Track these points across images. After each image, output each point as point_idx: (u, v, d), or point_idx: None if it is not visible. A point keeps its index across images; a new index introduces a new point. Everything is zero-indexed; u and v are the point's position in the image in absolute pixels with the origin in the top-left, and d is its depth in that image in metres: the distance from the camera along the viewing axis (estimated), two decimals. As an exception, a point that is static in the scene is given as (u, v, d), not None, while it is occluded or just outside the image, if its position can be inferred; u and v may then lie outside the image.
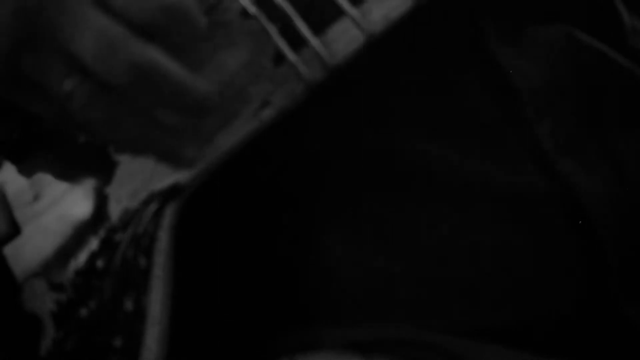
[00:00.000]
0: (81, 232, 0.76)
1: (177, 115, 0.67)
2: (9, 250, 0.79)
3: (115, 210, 0.75)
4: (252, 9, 0.72)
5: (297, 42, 0.71)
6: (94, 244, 0.75)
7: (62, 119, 0.68)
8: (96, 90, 0.65)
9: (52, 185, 0.79)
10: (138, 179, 0.75)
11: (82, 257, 0.76)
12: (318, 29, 0.71)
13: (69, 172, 0.78)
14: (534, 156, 0.80)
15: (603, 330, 0.80)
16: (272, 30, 0.71)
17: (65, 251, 0.77)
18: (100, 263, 0.74)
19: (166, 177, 0.74)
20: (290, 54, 0.71)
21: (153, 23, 0.63)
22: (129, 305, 0.72)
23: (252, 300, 0.80)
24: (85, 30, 0.63)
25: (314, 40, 0.70)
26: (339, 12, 0.70)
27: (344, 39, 0.70)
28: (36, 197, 0.79)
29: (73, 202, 0.77)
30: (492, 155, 0.80)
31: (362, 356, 0.75)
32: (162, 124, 0.67)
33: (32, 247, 0.78)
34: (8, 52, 0.66)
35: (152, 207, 0.74)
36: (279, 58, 0.72)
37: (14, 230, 0.79)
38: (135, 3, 0.63)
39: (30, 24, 0.65)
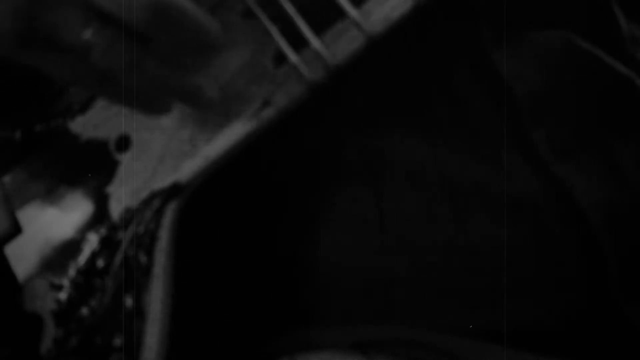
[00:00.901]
0: (82, 231, 0.76)
1: (194, 56, 0.67)
2: (10, 249, 0.79)
3: (116, 210, 0.75)
4: (254, 10, 0.72)
5: (298, 42, 0.71)
6: (94, 243, 0.75)
7: (79, 75, 0.68)
8: (117, 34, 0.65)
9: (53, 185, 0.79)
10: (139, 178, 0.75)
11: (82, 256, 0.76)
12: (319, 29, 0.71)
13: (70, 172, 0.78)
14: (530, 160, 0.80)
15: (603, 330, 0.80)
16: (274, 30, 0.72)
17: (66, 250, 0.77)
18: (100, 262, 0.75)
19: (167, 176, 0.74)
20: (291, 54, 0.71)
21: None
22: (129, 304, 0.72)
23: (252, 300, 0.80)
24: None
25: (314, 41, 0.71)
26: (340, 13, 0.70)
27: (344, 39, 0.71)
28: (38, 197, 0.79)
29: (74, 201, 0.77)
30: (489, 158, 0.80)
31: (362, 356, 0.75)
32: (183, 64, 0.67)
33: (33, 247, 0.78)
34: (24, 9, 0.66)
35: (153, 206, 0.74)
36: (280, 58, 0.72)
37: (15, 229, 0.79)
38: None
39: None
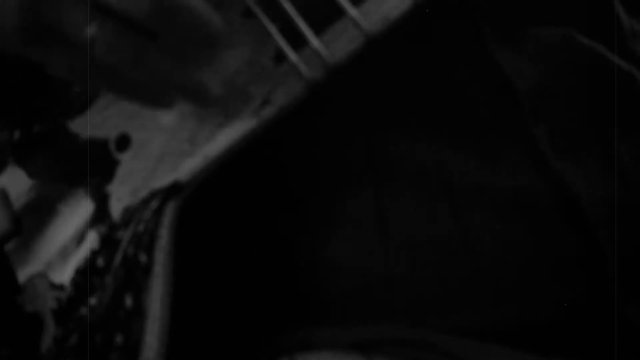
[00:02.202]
0: (82, 230, 0.76)
1: (198, 50, 0.68)
2: (10, 248, 0.79)
3: (116, 208, 0.75)
4: (254, 9, 0.72)
5: (297, 41, 0.71)
6: (94, 242, 0.75)
7: (83, 71, 0.68)
8: (119, 30, 0.65)
9: (53, 185, 0.79)
10: (139, 177, 0.75)
11: (82, 255, 0.76)
12: (318, 28, 0.71)
13: (70, 171, 0.78)
14: (531, 157, 0.80)
15: (603, 330, 0.80)
16: (273, 29, 0.72)
17: (66, 249, 0.77)
18: (100, 261, 0.75)
19: (167, 175, 0.74)
20: (290, 53, 0.71)
21: None
22: (129, 302, 0.72)
23: (251, 299, 0.80)
24: None
25: (314, 40, 0.71)
26: (339, 12, 0.70)
27: (343, 38, 0.71)
28: (38, 197, 0.79)
29: (74, 200, 0.77)
30: (490, 155, 0.80)
31: (362, 356, 0.75)
32: (187, 59, 0.67)
33: (33, 246, 0.78)
34: (29, 3, 0.66)
35: (153, 205, 0.74)
36: (280, 57, 0.72)
37: (16, 229, 0.79)
38: None
39: None
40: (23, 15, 0.66)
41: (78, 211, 0.77)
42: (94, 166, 0.77)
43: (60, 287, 0.76)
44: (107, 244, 0.75)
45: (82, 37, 0.66)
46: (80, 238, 0.76)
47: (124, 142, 0.77)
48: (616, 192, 0.80)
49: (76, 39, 0.66)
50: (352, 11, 0.70)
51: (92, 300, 0.74)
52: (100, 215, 0.76)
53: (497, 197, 0.79)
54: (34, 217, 0.79)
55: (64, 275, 0.76)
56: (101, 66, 0.67)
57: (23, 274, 0.78)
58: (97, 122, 0.78)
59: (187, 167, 0.74)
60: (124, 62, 0.66)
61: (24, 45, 0.68)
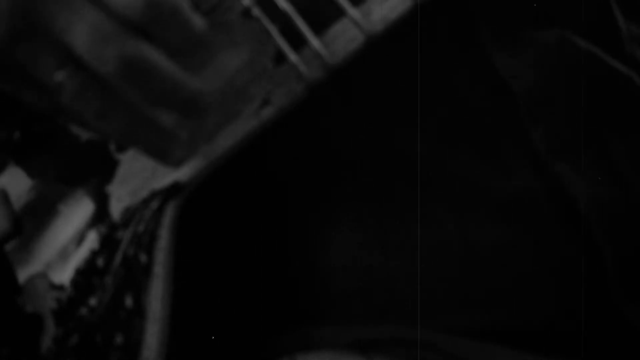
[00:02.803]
0: (82, 230, 0.76)
1: (169, 113, 0.67)
2: (10, 248, 0.79)
3: (116, 209, 0.75)
4: (254, 9, 0.72)
5: (297, 42, 0.71)
6: (95, 242, 0.75)
7: (53, 110, 0.69)
8: (87, 82, 0.66)
9: (54, 185, 0.79)
10: (139, 177, 0.75)
11: (83, 256, 0.76)
12: (318, 29, 0.71)
13: (70, 172, 0.78)
14: (529, 159, 0.80)
15: (602, 331, 0.80)
16: (273, 30, 0.72)
17: (66, 249, 0.77)
18: (101, 261, 0.75)
19: (167, 176, 0.74)
20: (290, 54, 0.71)
21: (142, 19, 0.64)
22: (129, 302, 0.72)
23: (252, 299, 0.80)
24: (79, 23, 0.64)
25: (314, 40, 0.71)
26: (339, 13, 0.70)
27: (343, 39, 0.71)
28: (38, 197, 0.79)
29: (74, 200, 0.77)
30: (488, 157, 0.80)
31: (362, 356, 0.75)
32: (152, 120, 0.67)
33: (34, 246, 0.78)
34: (4, 41, 0.67)
35: (153, 205, 0.74)
36: (280, 58, 0.72)
37: (16, 229, 0.79)
38: None
39: (26, 15, 0.66)
40: None
41: (78, 211, 0.77)
42: (94, 166, 0.77)
43: (60, 287, 0.76)
44: (107, 244, 0.75)
45: (51, 82, 0.66)
46: (80, 238, 0.76)
47: (124, 142, 0.77)
48: (613, 194, 0.80)
49: (45, 82, 0.67)
50: (352, 11, 0.70)
51: (92, 301, 0.74)
52: (101, 215, 0.76)
53: (496, 199, 0.79)
54: (34, 217, 0.79)
55: (64, 275, 0.76)
56: (68, 111, 0.67)
57: (23, 274, 0.78)
58: None
59: (188, 168, 0.73)
60: (88, 113, 0.67)
61: None
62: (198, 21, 0.65)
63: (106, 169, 0.76)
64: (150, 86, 0.65)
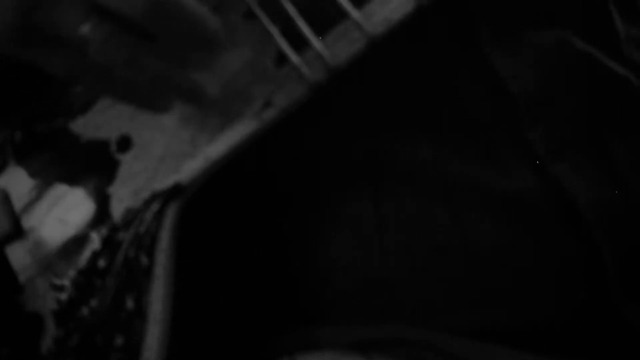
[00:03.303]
0: (83, 231, 0.76)
1: (194, 53, 0.67)
2: (10, 249, 0.79)
3: (117, 210, 0.75)
4: (255, 10, 0.72)
5: (299, 43, 0.71)
6: (96, 243, 0.75)
7: (78, 71, 0.68)
8: (114, 30, 0.65)
9: (54, 186, 0.79)
10: (140, 178, 0.75)
11: (83, 256, 0.76)
12: (320, 30, 0.71)
13: (70, 172, 0.78)
14: (528, 160, 0.80)
15: (601, 331, 0.80)
16: (275, 31, 0.72)
17: (67, 250, 0.77)
18: (102, 262, 0.75)
19: (168, 177, 0.74)
20: (292, 55, 0.71)
21: None
22: (130, 304, 0.72)
23: (252, 300, 0.80)
24: None
25: (316, 42, 0.70)
26: (341, 14, 0.70)
27: (345, 40, 0.71)
28: (39, 197, 0.79)
29: (75, 201, 0.77)
30: (487, 157, 0.80)
31: (362, 356, 0.75)
32: (182, 60, 0.67)
33: (34, 247, 0.78)
34: (22, 5, 0.66)
35: (154, 206, 0.74)
36: (281, 59, 0.72)
37: (17, 230, 0.79)
38: None
39: None
40: (17, 15, 0.66)
41: (79, 212, 0.77)
42: (95, 167, 0.77)
43: (60, 288, 0.76)
44: (108, 245, 0.75)
45: (76, 37, 0.65)
46: (81, 239, 0.76)
47: (125, 143, 0.76)
48: (613, 194, 0.80)
49: (70, 38, 0.66)
50: (354, 13, 0.70)
51: (93, 301, 0.74)
52: (101, 216, 0.76)
53: (495, 199, 0.80)
54: (35, 218, 0.79)
55: (65, 275, 0.76)
56: (96, 66, 0.67)
57: (23, 274, 0.78)
58: (98, 122, 0.78)
59: (189, 169, 0.74)
60: (118, 63, 0.66)
61: (19, 45, 0.68)
62: (213, 19, 0.66)
63: (107, 170, 0.76)
64: (176, 24, 0.65)
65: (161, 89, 0.69)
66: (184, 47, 0.67)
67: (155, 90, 0.69)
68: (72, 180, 0.78)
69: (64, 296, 0.76)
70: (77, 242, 0.76)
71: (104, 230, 0.75)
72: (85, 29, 0.65)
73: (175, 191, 0.73)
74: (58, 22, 0.66)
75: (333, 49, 0.71)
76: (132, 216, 0.74)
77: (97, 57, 0.66)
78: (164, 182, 0.74)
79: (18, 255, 0.79)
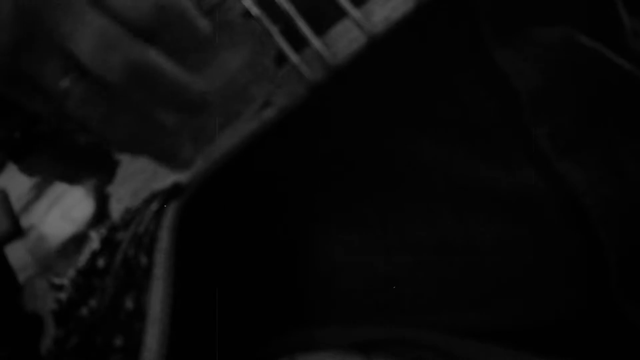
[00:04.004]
0: (82, 231, 0.76)
1: (174, 115, 0.67)
2: (10, 249, 0.79)
3: (116, 210, 0.75)
4: (254, 10, 0.72)
5: (298, 42, 0.71)
6: (95, 243, 0.75)
7: (59, 117, 0.69)
8: (93, 88, 0.66)
9: (53, 185, 0.79)
10: (139, 178, 0.75)
11: (83, 256, 0.76)
12: (320, 29, 0.71)
13: (70, 172, 0.78)
14: (532, 157, 0.80)
15: (603, 330, 0.80)
16: (274, 30, 0.71)
17: (67, 250, 0.77)
18: (101, 262, 0.75)
19: (167, 177, 0.74)
20: (292, 55, 0.71)
21: (149, 23, 0.64)
22: (129, 304, 0.72)
23: (252, 300, 0.80)
24: (84, 29, 0.64)
25: (315, 41, 0.70)
26: (341, 13, 0.70)
27: (345, 39, 0.70)
28: (38, 197, 0.79)
29: (74, 201, 0.77)
30: (491, 155, 0.80)
31: (362, 356, 0.75)
32: (159, 123, 0.67)
33: (34, 247, 0.78)
34: (8, 50, 0.67)
35: (153, 206, 0.74)
36: (281, 58, 0.72)
37: (16, 230, 0.79)
38: (131, 3, 0.64)
39: (30, 23, 0.66)
40: (3, 58, 0.67)
41: (78, 212, 0.77)
42: (94, 167, 0.77)
43: (60, 288, 0.76)
44: (108, 245, 0.75)
45: (57, 89, 0.66)
46: (80, 239, 0.76)
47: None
48: (618, 192, 0.80)
49: (51, 90, 0.67)
50: (354, 12, 0.70)
51: (92, 302, 0.74)
52: (101, 216, 0.76)
53: (499, 197, 0.79)
54: (34, 218, 0.79)
55: (65, 275, 0.76)
56: (73, 118, 0.67)
57: (23, 274, 0.78)
58: None
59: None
60: (94, 119, 0.66)
61: (4, 84, 0.69)
62: (204, 23, 0.65)
63: (106, 170, 0.76)
64: (156, 90, 0.65)
65: (135, 145, 0.69)
66: (164, 108, 0.67)
67: (129, 145, 0.69)
68: (72, 179, 0.78)
69: (63, 296, 0.76)
70: (77, 241, 0.76)
71: (103, 230, 0.75)
72: (65, 82, 0.66)
73: (175, 191, 0.73)
74: (40, 72, 0.66)
75: (333, 49, 0.70)
76: (131, 216, 0.74)
77: (75, 111, 0.66)
78: (164, 182, 0.74)
79: (17, 255, 0.78)
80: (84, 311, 0.74)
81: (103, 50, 0.64)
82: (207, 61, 0.70)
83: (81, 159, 0.78)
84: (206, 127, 0.72)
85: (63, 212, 0.78)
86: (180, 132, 0.68)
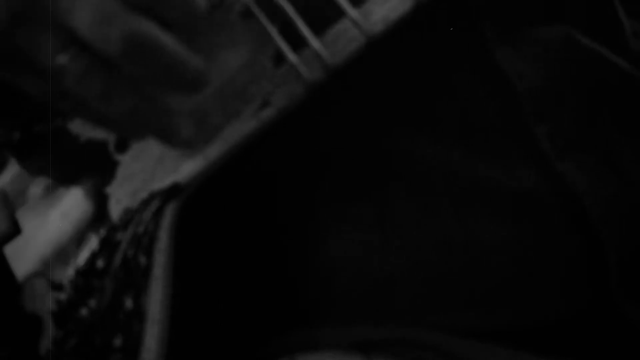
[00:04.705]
0: (82, 232, 0.76)
1: (172, 92, 0.67)
2: (9, 249, 0.79)
3: (115, 210, 0.75)
4: (254, 9, 0.72)
5: (297, 42, 0.71)
6: (94, 243, 0.75)
7: (55, 96, 0.68)
8: (91, 63, 0.65)
9: (53, 185, 0.79)
10: (138, 178, 0.75)
11: (82, 257, 0.76)
12: (318, 29, 0.71)
13: (69, 172, 0.78)
14: (532, 157, 0.80)
15: (603, 330, 0.80)
16: (273, 30, 0.71)
17: (66, 251, 0.77)
18: (100, 262, 0.75)
19: (166, 177, 0.74)
20: (290, 55, 0.71)
21: None
22: (128, 304, 0.72)
23: (252, 300, 0.80)
24: (82, 3, 0.64)
25: (314, 41, 0.70)
26: (339, 13, 0.70)
27: (344, 39, 0.70)
28: (37, 197, 0.79)
29: (74, 201, 0.77)
30: (490, 155, 0.80)
31: (362, 356, 0.75)
32: (157, 101, 0.67)
33: (33, 247, 0.78)
34: (4, 25, 0.66)
35: (153, 206, 0.74)
36: (280, 58, 0.72)
37: (15, 229, 0.79)
38: None
39: None
40: None
41: (77, 212, 0.77)
42: (93, 167, 0.77)
43: (59, 288, 0.76)
44: (107, 245, 0.75)
45: (54, 66, 0.66)
46: (79, 239, 0.76)
47: (123, 143, 0.76)
48: (618, 192, 0.80)
49: (48, 67, 0.66)
50: (353, 12, 0.70)
51: (92, 302, 0.74)
52: (100, 216, 0.76)
53: (499, 197, 0.79)
54: (33, 218, 0.79)
55: (64, 276, 0.76)
56: (71, 95, 0.67)
57: (23, 275, 0.78)
58: None
59: (187, 169, 0.73)
60: (92, 96, 0.66)
61: None
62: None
63: (106, 170, 0.76)
64: (154, 64, 0.65)
65: (135, 124, 0.68)
66: (159, 84, 0.67)
67: (129, 123, 0.69)
68: (71, 180, 0.78)
69: (62, 296, 0.76)
70: (76, 242, 0.76)
71: (102, 231, 0.75)
72: (63, 59, 0.65)
73: (174, 191, 0.73)
74: (37, 49, 0.66)
75: (331, 48, 0.70)
76: (130, 216, 0.74)
77: (73, 88, 0.66)
78: (163, 183, 0.74)
79: (17, 255, 0.78)
80: (84, 311, 0.74)
81: (102, 23, 0.63)
82: (204, 49, 0.70)
83: (81, 159, 0.78)
84: (209, 112, 0.72)
85: (63, 212, 0.78)
86: (180, 111, 0.68)
